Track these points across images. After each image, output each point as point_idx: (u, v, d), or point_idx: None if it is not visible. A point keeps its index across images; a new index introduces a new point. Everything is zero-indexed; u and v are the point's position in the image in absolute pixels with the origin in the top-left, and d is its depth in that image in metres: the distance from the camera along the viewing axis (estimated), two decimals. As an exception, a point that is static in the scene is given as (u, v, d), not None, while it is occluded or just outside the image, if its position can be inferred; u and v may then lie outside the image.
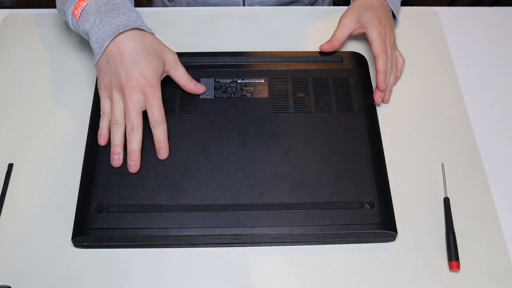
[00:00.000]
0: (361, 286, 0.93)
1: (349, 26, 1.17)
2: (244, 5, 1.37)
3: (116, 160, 0.98)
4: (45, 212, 0.99)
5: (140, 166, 0.98)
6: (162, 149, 0.99)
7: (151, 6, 1.58)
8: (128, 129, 0.98)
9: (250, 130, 1.03)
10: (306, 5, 1.45)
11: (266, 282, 0.94)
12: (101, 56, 1.00)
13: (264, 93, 1.08)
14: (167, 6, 1.48)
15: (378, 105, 1.12)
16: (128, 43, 0.99)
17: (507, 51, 1.24)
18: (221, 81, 1.09)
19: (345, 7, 1.23)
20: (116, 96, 0.99)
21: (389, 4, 1.18)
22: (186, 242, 0.95)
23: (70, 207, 0.98)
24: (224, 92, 1.08)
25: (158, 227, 0.93)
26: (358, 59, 1.15)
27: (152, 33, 1.04)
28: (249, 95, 1.08)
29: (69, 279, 0.93)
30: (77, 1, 1.02)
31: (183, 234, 0.93)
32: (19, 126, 1.09)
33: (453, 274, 0.95)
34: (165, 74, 1.05)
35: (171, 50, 1.05)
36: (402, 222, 0.99)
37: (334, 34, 1.17)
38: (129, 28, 0.99)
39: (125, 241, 0.95)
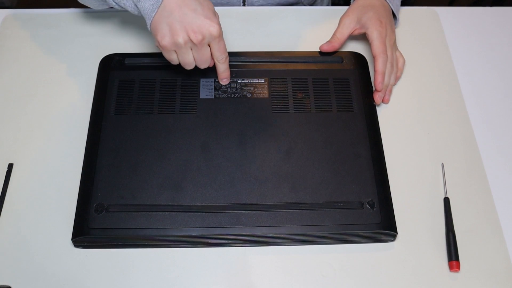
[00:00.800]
0: (361, 286, 0.93)
1: (349, 27, 1.17)
2: (244, 6, 1.37)
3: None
4: (45, 212, 0.99)
5: (140, 167, 0.99)
6: (226, 78, 1.09)
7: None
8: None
9: (250, 130, 1.03)
10: (306, 6, 1.45)
11: (266, 282, 0.94)
12: (156, 13, 0.97)
13: (264, 93, 1.08)
14: None
15: (378, 105, 1.12)
16: None
17: (507, 51, 1.24)
18: (221, 81, 1.10)
19: (345, 7, 1.23)
20: (186, 47, 0.99)
21: (389, 4, 1.18)
22: (186, 242, 0.95)
23: (70, 207, 0.98)
24: (224, 92, 1.08)
25: (158, 227, 0.93)
26: (358, 59, 1.15)
27: None
28: (249, 95, 1.08)
29: (69, 279, 0.93)
30: None
31: (183, 234, 0.93)
32: (19, 126, 1.09)
33: (453, 274, 0.95)
34: None
35: None
36: (402, 222, 0.99)
37: (334, 35, 1.17)
38: None
39: (125, 241, 0.95)
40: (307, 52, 1.17)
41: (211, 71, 1.08)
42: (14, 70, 1.17)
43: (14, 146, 1.07)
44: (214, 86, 1.09)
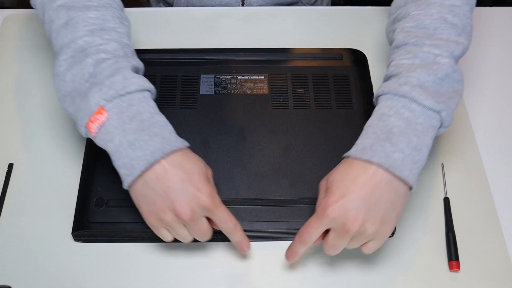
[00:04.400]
0: (361, 285, 0.93)
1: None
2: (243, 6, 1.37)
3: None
4: (45, 212, 0.99)
5: None
6: (245, 247, 0.89)
7: (151, 6, 1.59)
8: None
9: (249, 126, 1.04)
10: (305, 6, 1.45)
11: (265, 276, 0.94)
12: (135, 181, 0.84)
13: (264, 89, 1.08)
14: None
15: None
16: (166, 165, 0.83)
17: (507, 51, 1.25)
18: (221, 77, 1.10)
19: (345, 7, 1.24)
20: (176, 224, 0.84)
21: (405, 179, 0.85)
22: (185, 237, 0.95)
23: (70, 206, 0.98)
24: (224, 88, 1.08)
25: None
26: (358, 56, 1.15)
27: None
28: (249, 91, 1.08)
29: (69, 273, 0.93)
30: (94, 113, 0.84)
31: (182, 228, 0.93)
32: (19, 126, 1.09)
33: (453, 274, 0.95)
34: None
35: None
36: (402, 222, 0.99)
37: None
38: (165, 154, 0.83)
39: (124, 235, 0.95)
40: (307, 48, 1.17)
41: (211, 67, 1.09)
42: (14, 70, 1.17)
43: (14, 146, 1.07)
44: (214, 82, 1.09)
